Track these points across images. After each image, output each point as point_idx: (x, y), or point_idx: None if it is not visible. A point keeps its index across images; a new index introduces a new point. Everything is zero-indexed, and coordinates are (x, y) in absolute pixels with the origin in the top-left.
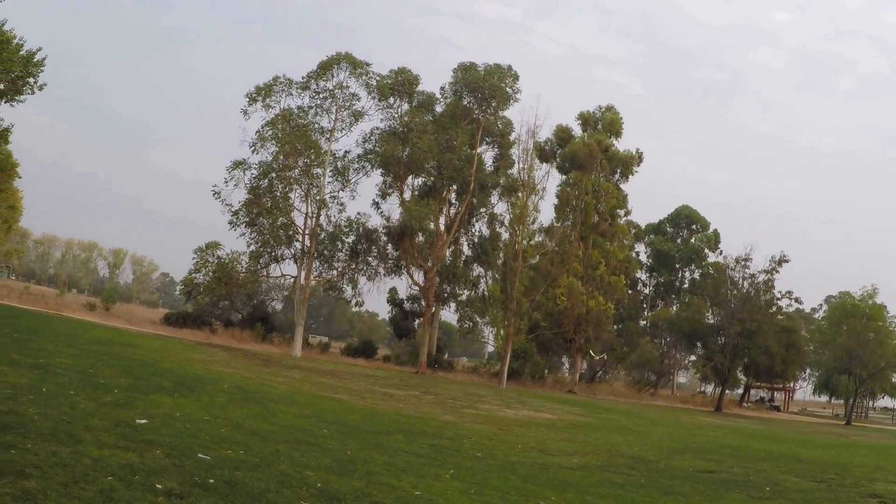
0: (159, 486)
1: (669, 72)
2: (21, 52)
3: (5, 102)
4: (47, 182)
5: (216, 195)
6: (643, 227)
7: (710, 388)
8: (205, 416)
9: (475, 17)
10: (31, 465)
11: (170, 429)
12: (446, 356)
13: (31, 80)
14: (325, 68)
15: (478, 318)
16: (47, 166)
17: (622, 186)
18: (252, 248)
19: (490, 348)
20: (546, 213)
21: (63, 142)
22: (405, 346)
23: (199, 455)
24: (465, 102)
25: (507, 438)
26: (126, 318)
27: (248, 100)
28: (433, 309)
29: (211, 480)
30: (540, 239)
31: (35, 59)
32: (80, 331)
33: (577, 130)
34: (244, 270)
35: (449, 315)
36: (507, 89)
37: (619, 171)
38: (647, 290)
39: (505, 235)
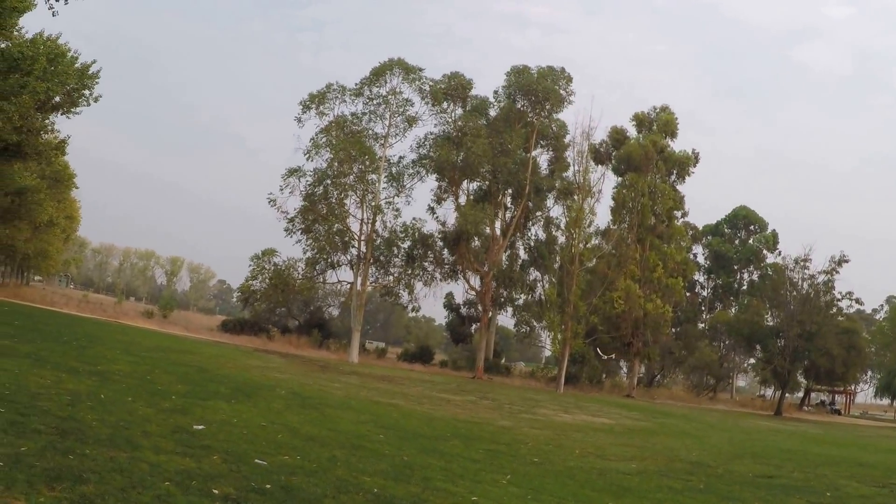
0: (216, 492)
1: (720, 71)
2: (76, 65)
3: (61, 114)
4: (105, 192)
5: (272, 203)
6: (700, 228)
7: (769, 392)
8: (262, 421)
9: (526, 20)
10: (90, 470)
11: (227, 434)
12: (503, 361)
13: (87, 91)
14: (377, 74)
15: (535, 323)
16: (104, 176)
17: (678, 187)
18: (308, 254)
19: (547, 353)
20: (602, 215)
21: (119, 152)
22: (462, 351)
23: (256, 460)
24: (519, 106)
25: (565, 443)
26: (183, 326)
27: (301, 107)
28: (490, 313)
29: (268, 486)
30: (596, 242)
31: (90, 72)
32: (138, 338)
33: (631, 132)
34: (301, 277)
35: (506, 319)
36: (561, 91)
37: (675, 171)
38: (705, 293)
39: (561, 239)
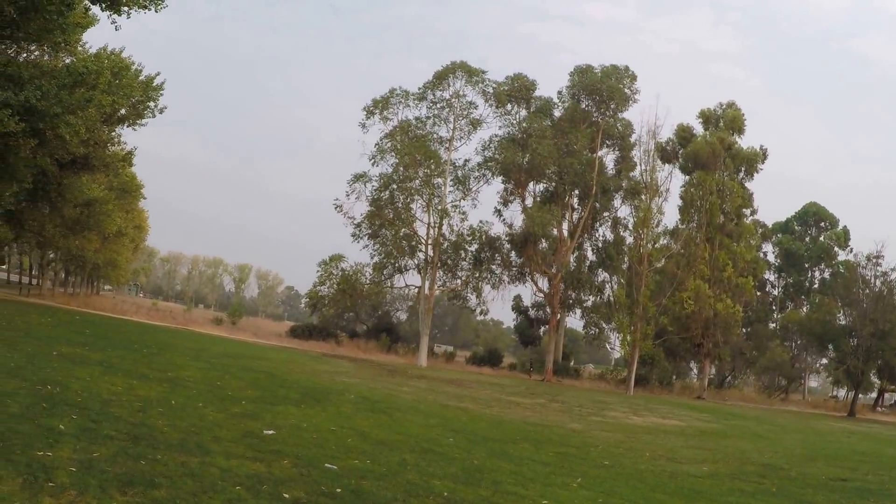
0: (287, 496)
1: (787, 64)
2: (140, 78)
3: (127, 126)
4: (172, 200)
5: (338, 208)
6: (770, 226)
7: (842, 393)
8: (331, 426)
9: (586, 20)
10: (161, 475)
11: (297, 439)
12: (572, 363)
13: (152, 103)
14: (440, 78)
15: (604, 324)
16: (173, 185)
17: (747, 185)
18: (375, 259)
19: (616, 354)
20: (670, 215)
21: (188, 160)
22: (531, 353)
23: (326, 465)
24: (584, 106)
25: (635, 446)
26: (252, 332)
27: (365, 113)
28: (558, 316)
29: (338, 490)
30: (665, 242)
31: (154, 84)
32: (208, 345)
33: (698, 129)
34: (368, 282)
35: (574, 321)
36: (625, 90)
37: (743, 169)
38: (775, 292)
39: (629, 239)
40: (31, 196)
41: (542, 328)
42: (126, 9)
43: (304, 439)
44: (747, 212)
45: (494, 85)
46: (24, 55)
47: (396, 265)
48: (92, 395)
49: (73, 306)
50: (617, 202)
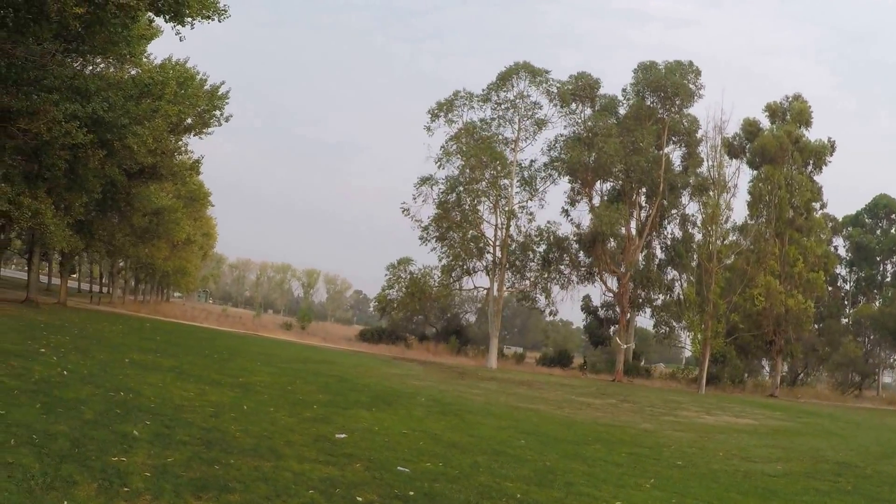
0: (360, 499)
1: (852, 55)
2: (205, 87)
3: (194, 135)
4: (240, 208)
5: (405, 212)
6: (840, 219)
7: None
8: (403, 429)
9: (648, 15)
10: (235, 479)
11: (369, 442)
12: (643, 363)
13: (217, 112)
14: (504, 79)
15: (674, 323)
16: (239, 193)
17: (815, 178)
18: (444, 261)
19: (687, 353)
20: (739, 210)
21: (251, 168)
22: (601, 353)
23: (399, 468)
24: (649, 102)
25: (708, 446)
26: (322, 336)
27: (430, 116)
28: (628, 315)
29: (411, 493)
30: (734, 238)
31: (219, 93)
32: (278, 350)
33: (765, 123)
34: (437, 284)
35: (644, 320)
36: (690, 86)
37: (811, 162)
38: (847, 286)
39: (698, 236)
40: (101, 206)
41: (612, 328)
42: (190, 20)
43: (376, 443)
44: (817, 205)
45: (558, 84)
46: (91, 68)
47: (465, 267)
48: (165, 401)
49: (144, 314)
50: (685, 199)
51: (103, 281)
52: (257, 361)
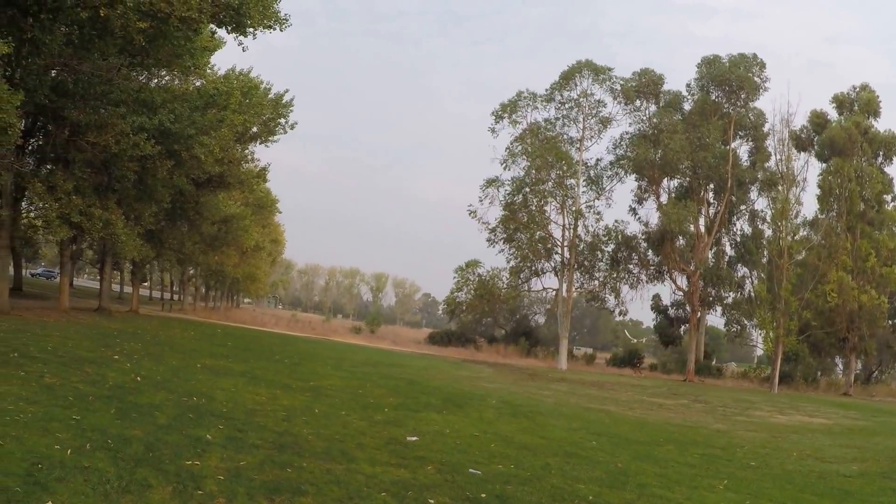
0: (431, 502)
1: None
2: (269, 96)
3: (260, 143)
4: (307, 214)
5: (472, 214)
6: None
7: None
8: (474, 431)
9: (709, 9)
10: (307, 482)
11: (440, 445)
12: (714, 362)
13: (282, 120)
14: (567, 78)
15: (745, 321)
16: (306, 199)
17: (886, 170)
18: (512, 263)
19: (759, 352)
20: (809, 205)
21: (318, 175)
22: (671, 353)
23: (470, 470)
24: (714, 97)
25: (782, 446)
26: (391, 340)
27: (494, 118)
28: (698, 314)
29: (482, 495)
30: (805, 233)
31: (283, 101)
32: (348, 354)
33: (832, 114)
34: (505, 286)
35: (715, 319)
36: (755, 79)
37: (881, 153)
38: None
39: (768, 232)
40: (170, 215)
41: (683, 327)
42: (251, 30)
43: (447, 445)
44: (888, 198)
45: (622, 81)
46: (156, 81)
47: (533, 268)
48: (237, 406)
49: (215, 320)
50: (753, 194)
51: (174, 288)
52: (328, 365)
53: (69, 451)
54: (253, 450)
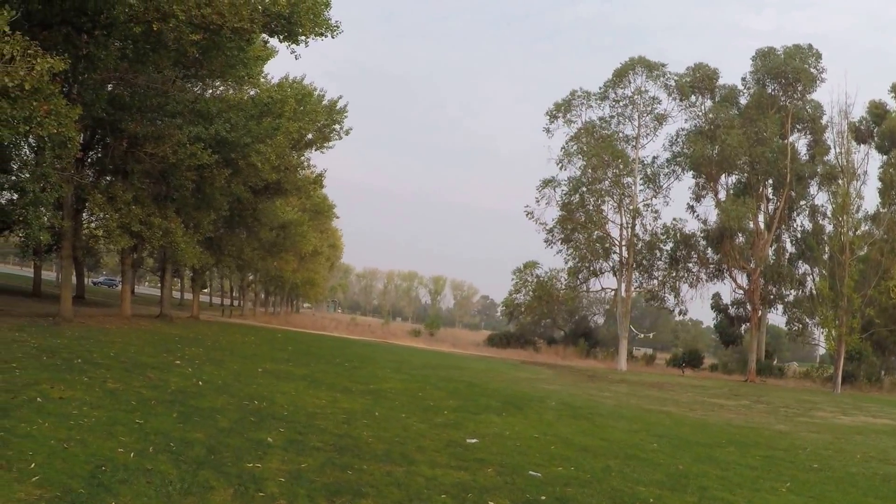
0: None
1: None
2: (323, 103)
3: (316, 150)
4: (364, 218)
5: (529, 215)
6: None
7: None
8: (534, 433)
9: (762, 1)
10: (368, 484)
11: (500, 447)
12: (775, 362)
13: (337, 126)
14: (620, 75)
15: (807, 319)
16: (363, 204)
17: None
18: (570, 264)
19: (821, 351)
20: (870, 198)
21: (375, 180)
22: (732, 353)
23: (530, 472)
24: (770, 90)
25: (845, 448)
26: (450, 343)
27: (548, 117)
28: (759, 312)
29: (542, 497)
30: (867, 228)
31: (337, 107)
32: (407, 357)
33: (891, 104)
34: (563, 287)
35: (776, 318)
36: (811, 70)
37: None
38: None
39: (829, 227)
40: (229, 222)
41: (743, 326)
42: (303, 38)
43: (507, 447)
44: None
45: (676, 77)
46: (211, 91)
47: (591, 268)
48: (297, 409)
49: (274, 324)
50: (813, 189)
51: (234, 294)
52: (387, 368)
53: (132, 454)
54: (313, 452)
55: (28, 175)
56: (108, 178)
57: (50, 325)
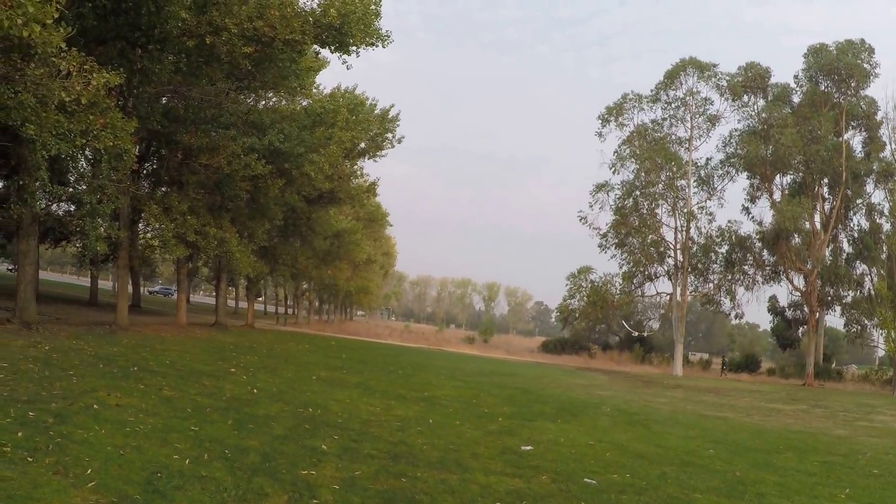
0: None
1: None
2: (375, 112)
3: (368, 159)
4: (418, 226)
5: (583, 220)
6: None
7: None
8: (589, 440)
9: None
10: (422, 491)
11: (554, 454)
12: (834, 365)
13: (389, 135)
14: (671, 77)
15: (865, 321)
16: (416, 212)
17: None
18: (624, 268)
19: (881, 353)
20: None
21: (428, 187)
22: (789, 356)
23: (585, 480)
24: (822, 87)
25: None
26: (504, 349)
27: (601, 121)
28: (817, 314)
29: None
30: None
31: (389, 116)
32: (461, 363)
33: None
34: (618, 292)
35: (834, 320)
36: (864, 65)
37: None
38: None
39: (886, 226)
40: (283, 232)
41: (801, 329)
42: (354, 48)
43: (561, 454)
44: None
45: (727, 77)
46: (264, 102)
47: (646, 273)
48: (351, 416)
49: (328, 332)
50: (869, 187)
51: (288, 303)
52: (441, 375)
53: (187, 461)
54: (368, 460)
55: (85, 187)
56: (163, 188)
57: (106, 334)
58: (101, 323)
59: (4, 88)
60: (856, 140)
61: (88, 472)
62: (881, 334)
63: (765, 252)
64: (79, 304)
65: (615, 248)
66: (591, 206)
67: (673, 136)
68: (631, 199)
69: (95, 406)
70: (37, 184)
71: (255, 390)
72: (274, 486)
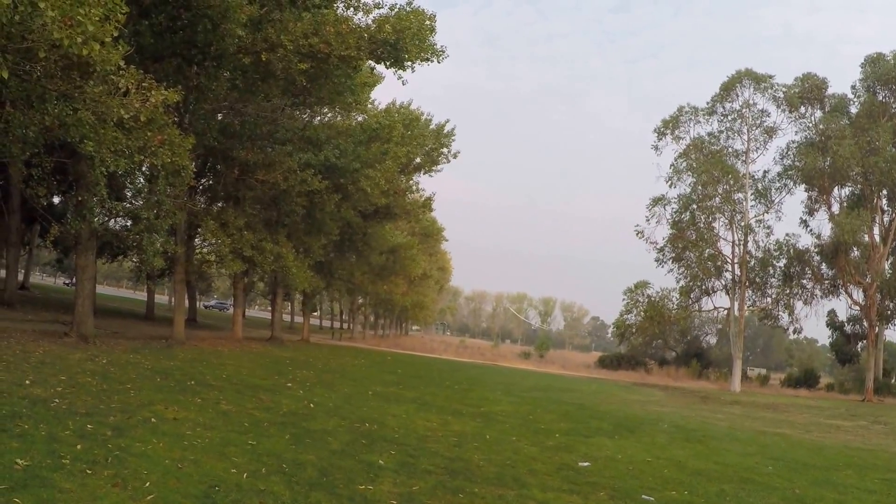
0: None
1: None
2: (430, 127)
3: (424, 174)
4: (473, 240)
5: (639, 234)
6: None
7: None
8: (646, 456)
9: (865, 6)
10: None
11: (612, 471)
12: (894, 380)
13: (444, 150)
14: (727, 89)
15: None
16: (472, 227)
17: None
18: (681, 283)
19: None
20: None
21: (483, 202)
22: (848, 372)
23: (643, 496)
24: (881, 98)
25: None
26: (560, 364)
27: (656, 135)
28: (876, 329)
29: None
30: None
31: (444, 131)
32: (517, 379)
33: None
34: (675, 307)
35: (894, 334)
36: None
37: None
38: None
39: None
40: (339, 247)
41: (860, 344)
42: (409, 64)
43: (619, 471)
44: None
45: (784, 89)
46: (319, 118)
47: (703, 287)
48: (408, 431)
49: (384, 347)
50: None
51: (344, 317)
52: (497, 391)
53: (245, 475)
54: (425, 475)
55: (142, 202)
56: (220, 204)
57: (163, 348)
58: (157, 337)
59: (64, 106)
60: None
61: (147, 485)
62: None
63: (823, 266)
64: (135, 318)
65: (672, 262)
66: (648, 220)
67: (730, 149)
68: (688, 213)
69: (153, 419)
70: (95, 199)
71: (311, 405)
72: (331, 500)
